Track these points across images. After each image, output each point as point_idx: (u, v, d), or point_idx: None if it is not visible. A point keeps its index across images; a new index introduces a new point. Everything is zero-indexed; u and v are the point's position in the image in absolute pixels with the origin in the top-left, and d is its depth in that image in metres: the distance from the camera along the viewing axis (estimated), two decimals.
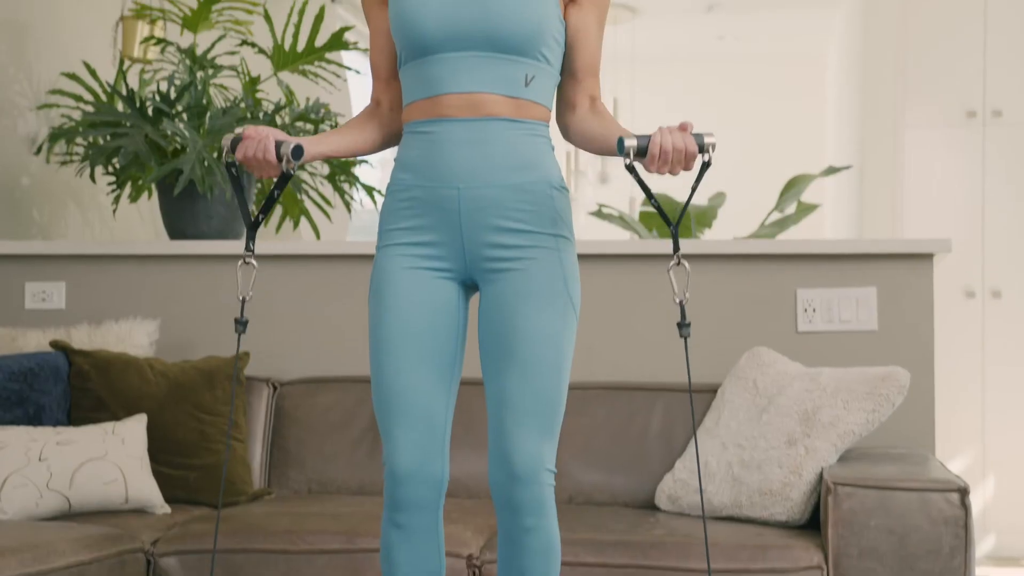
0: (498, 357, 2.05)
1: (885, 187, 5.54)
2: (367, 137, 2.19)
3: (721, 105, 9.15)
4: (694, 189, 2.01)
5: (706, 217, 5.78)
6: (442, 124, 2.06)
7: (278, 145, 2.02)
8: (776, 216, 5.83)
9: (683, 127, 1.95)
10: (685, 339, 2.03)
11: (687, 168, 1.96)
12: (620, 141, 1.94)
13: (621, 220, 5.81)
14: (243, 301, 2.10)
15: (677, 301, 2.03)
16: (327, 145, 2.13)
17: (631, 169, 1.96)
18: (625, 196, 7.65)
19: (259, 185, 3.86)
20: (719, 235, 6.61)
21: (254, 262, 2.10)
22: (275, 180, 2.06)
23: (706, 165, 1.98)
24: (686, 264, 2.03)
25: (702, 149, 1.96)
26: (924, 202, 5.24)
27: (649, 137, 1.94)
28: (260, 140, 2.02)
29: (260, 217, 2.08)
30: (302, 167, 3.81)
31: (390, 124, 2.21)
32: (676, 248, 2.03)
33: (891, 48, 5.50)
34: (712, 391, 3.17)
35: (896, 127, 5.30)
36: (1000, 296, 5.09)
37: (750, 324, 3.35)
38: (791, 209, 5.77)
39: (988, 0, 5.24)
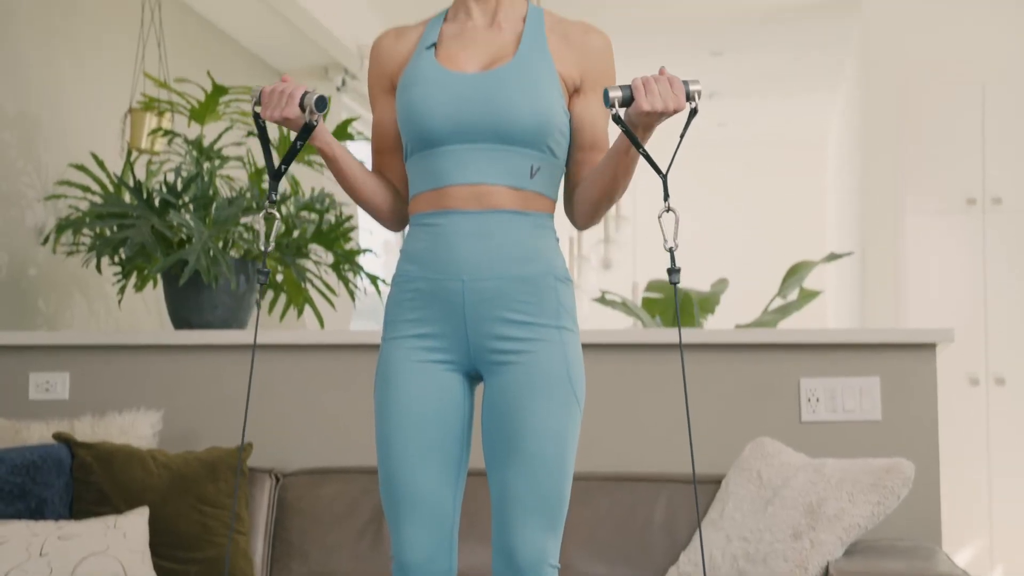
0: (502, 450, 2.05)
1: (887, 273, 5.56)
2: (373, 183, 2.18)
3: (724, 190, 9.23)
4: (682, 136, 2.01)
5: (709, 303, 5.80)
6: (448, 216, 2.08)
7: (305, 94, 2.03)
8: (779, 302, 5.84)
9: (662, 71, 1.96)
10: (675, 286, 2.03)
11: (677, 106, 1.95)
12: (605, 91, 1.95)
13: (624, 306, 5.83)
14: (264, 252, 2.11)
15: (667, 248, 2.03)
16: (341, 150, 2.13)
17: (617, 119, 1.97)
18: (628, 282, 7.68)
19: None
20: (722, 320, 6.62)
21: (277, 213, 2.12)
22: (299, 132, 2.06)
23: (693, 112, 1.97)
24: (675, 211, 2.02)
25: (688, 97, 1.96)
26: (926, 288, 5.26)
27: (631, 85, 1.95)
28: (284, 88, 2.04)
29: (283, 168, 2.09)
30: (306, 255, 3.85)
31: (395, 190, 2.21)
32: (666, 196, 2.03)
33: (890, 134, 5.56)
34: (716, 482, 3.16)
35: (897, 213, 5.34)
36: (1004, 383, 5.09)
37: (753, 413, 3.35)
38: (793, 295, 5.79)
39: (986, 88, 5.31)
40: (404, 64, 2.16)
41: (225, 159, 3.81)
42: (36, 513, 3.00)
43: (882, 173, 5.76)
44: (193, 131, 4.52)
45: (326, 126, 2.11)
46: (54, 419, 3.38)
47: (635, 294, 7.35)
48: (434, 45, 2.14)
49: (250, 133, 3.91)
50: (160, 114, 4.13)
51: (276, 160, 2.37)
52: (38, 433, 3.27)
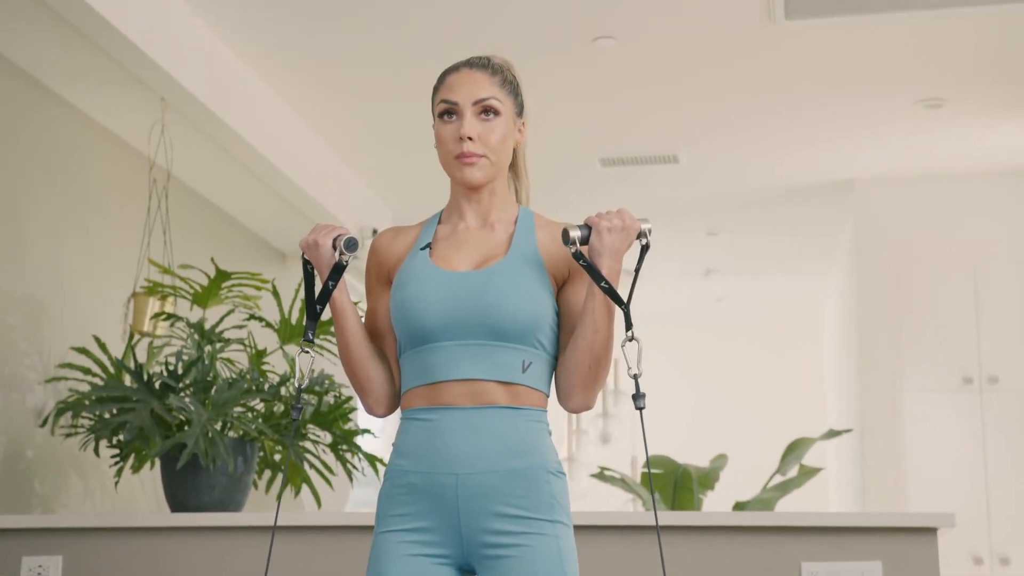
0: None
1: (887, 450, 5.55)
2: (376, 360, 2.21)
3: (721, 364, 9.27)
4: (637, 270, 2.12)
5: (708, 479, 5.75)
6: (441, 412, 2.11)
7: (336, 238, 2.14)
8: (778, 479, 5.80)
9: (620, 211, 2.11)
10: (640, 411, 2.10)
11: (629, 238, 2.10)
12: (564, 232, 2.08)
13: (623, 482, 5.79)
14: (300, 389, 2.19)
15: (631, 375, 2.12)
16: (352, 316, 2.18)
17: (578, 256, 2.07)
18: (627, 457, 7.64)
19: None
20: (721, 496, 6.56)
21: (312, 352, 2.23)
22: (330, 272, 2.16)
23: (645, 248, 2.11)
24: (638, 339, 2.12)
25: (640, 235, 2.11)
26: (927, 466, 5.24)
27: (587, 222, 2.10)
28: (324, 227, 2.16)
29: (320, 308, 2.17)
30: (305, 436, 3.85)
31: (387, 367, 2.23)
32: (629, 325, 2.12)
33: (886, 313, 5.63)
34: None
35: (895, 391, 5.36)
36: (1009, 563, 5.02)
37: None
38: (793, 472, 5.76)
39: (977, 270, 5.41)
40: (400, 261, 2.22)
41: (227, 342, 3.85)
42: None
43: (879, 351, 5.81)
44: (195, 314, 4.58)
45: (345, 296, 2.20)
46: None
47: (634, 469, 7.31)
48: (429, 246, 2.20)
49: (251, 316, 3.96)
50: (163, 298, 4.19)
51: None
52: None
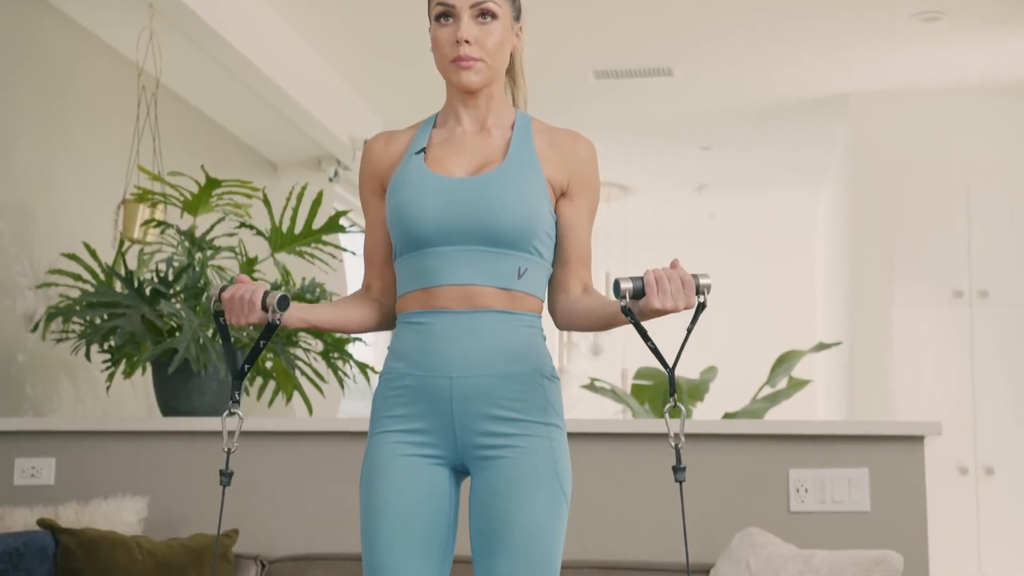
0: (488, 544, 2.05)
1: (876, 364, 5.58)
2: (358, 316, 2.22)
3: (713, 279, 9.28)
4: (689, 331, 1.97)
5: (698, 391, 5.80)
6: (436, 315, 2.10)
7: (266, 294, 2.03)
8: (768, 391, 5.85)
9: (674, 264, 1.96)
10: (680, 484, 2.00)
11: (688, 304, 1.94)
12: (616, 282, 1.94)
13: (613, 393, 5.83)
14: (228, 453, 2.08)
15: (672, 445, 2.01)
16: (316, 314, 2.15)
17: (627, 311, 1.95)
18: (617, 369, 7.69)
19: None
20: (711, 408, 6.62)
21: (240, 413, 2.08)
22: (262, 330, 2.06)
23: (701, 306, 1.95)
24: (683, 407, 2.01)
25: (698, 291, 1.94)
26: (915, 379, 5.28)
27: (643, 277, 1.94)
28: (249, 285, 2.05)
29: (246, 367, 2.08)
30: (295, 343, 3.86)
31: (382, 306, 2.24)
32: (672, 391, 2.01)
33: (878, 228, 5.63)
34: (704, 572, 3.14)
35: (885, 305, 5.38)
36: (993, 472, 5.09)
37: (742, 503, 3.34)
38: (782, 384, 5.80)
39: (970, 187, 5.40)
40: (394, 167, 2.20)
41: (217, 249, 3.84)
42: None
43: (870, 265, 5.82)
44: (186, 222, 4.56)
45: (299, 311, 2.11)
46: (39, 505, 3.37)
47: (624, 381, 7.36)
48: (423, 150, 2.18)
49: (242, 224, 3.94)
50: (153, 206, 4.16)
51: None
52: (22, 519, 3.25)
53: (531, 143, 2.17)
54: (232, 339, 2.09)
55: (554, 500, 2.06)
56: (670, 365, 2.00)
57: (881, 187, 5.69)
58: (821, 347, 5.67)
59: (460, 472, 2.15)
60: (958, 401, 5.13)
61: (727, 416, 5.35)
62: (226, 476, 2.07)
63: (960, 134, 5.86)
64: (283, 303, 2.01)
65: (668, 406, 2.01)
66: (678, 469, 2.00)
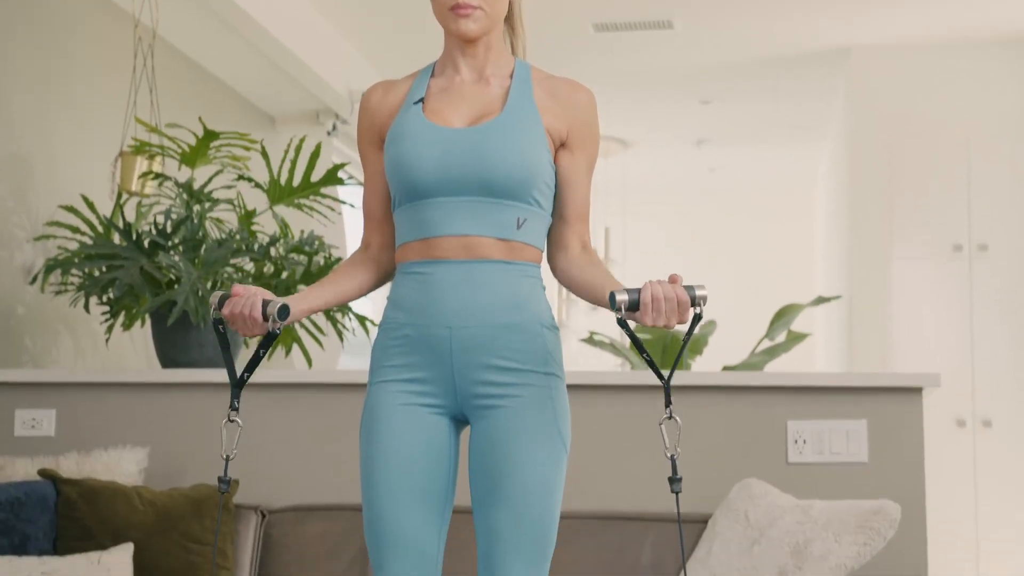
0: (488, 493, 2.06)
1: (875, 317, 5.59)
2: (356, 283, 2.21)
3: (712, 234, 9.28)
4: (686, 342, 1.98)
5: (697, 344, 5.80)
6: (435, 266, 2.10)
7: (265, 304, 2.02)
8: (767, 344, 5.86)
9: (673, 279, 1.95)
10: (676, 494, 2.01)
11: (681, 320, 1.95)
12: (612, 295, 1.94)
13: (612, 347, 5.84)
14: (227, 460, 2.07)
15: (668, 456, 2.01)
16: (315, 300, 2.14)
17: (622, 323, 1.95)
18: (615, 323, 7.69)
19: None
20: (709, 362, 6.62)
21: (239, 420, 2.08)
22: (261, 339, 2.05)
23: (697, 318, 1.95)
24: (678, 419, 2.01)
25: (693, 302, 1.94)
26: (914, 332, 5.28)
27: (639, 291, 1.93)
28: (247, 297, 2.02)
29: (245, 376, 2.07)
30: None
31: (380, 265, 2.23)
32: (668, 403, 2.01)
33: (878, 182, 5.61)
34: (703, 522, 3.16)
35: (885, 259, 5.38)
36: (991, 425, 5.10)
37: (741, 455, 3.35)
38: (781, 338, 5.81)
39: (971, 138, 5.37)
40: (392, 117, 2.18)
41: (215, 202, 3.83)
42: (19, 549, 2.99)
43: (870, 219, 5.81)
44: (183, 174, 4.55)
45: (299, 304, 2.10)
46: (39, 455, 3.38)
47: (623, 335, 7.36)
48: (421, 100, 2.16)
49: (240, 177, 3.93)
50: (151, 158, 4.14)
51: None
52: (23, 469, 3.26)
53: (530, 92, 2.15)
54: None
55: (553, 450, 2.07)
56: (665, 376, 2.00)
57: (881, 141, 5.67)
58: (820, 301, 5.67)
59: (460, 422, 2.15)
60: (956, 355, 5.14)
61: (726, 370, 5.36)
62: (224, 483, 2.06)
63: (961, 87, 5.83)
64: (283, 313, 2.01)
65: (664, 417, 2.01)
66: (674, 480, 2.01)
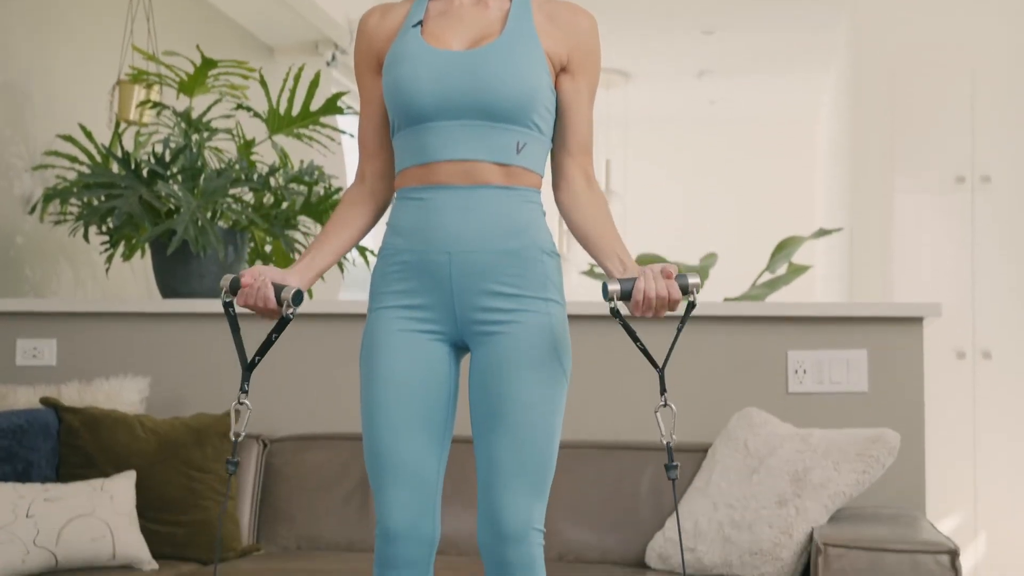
0: (488, 420, 2.06)
1: (876, 250, 5.57)
2: (356, 229, 2.19)
3: (713, 167, 9.23)
4: (679, 331, 2.01)
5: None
6: (435, 191, 2.09)
7: (278, 289, 2.03)
8: (767, 277, 5.85)
9: (667, 272, 1.96)
10: (673, 481, 2.03)
11: (672, 310, 1.97)
12: (604, 285, 1.96)
13: None
14: (235, 441, 2.08)
15: (664, 443, 2.03)
16: (322, 262, 2.14)
17: (615, 312, 1.97)
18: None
19: (251, 246, 3.89)
20: (711, 294, 6.62)
21: (248, 403, 2.10)
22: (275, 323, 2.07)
23: (691, 306, 1.97)
24: (673, 407, 2.03)
25: (686, 291, 1.96)
26: (915, 264, 5.27)
27: (633, 281, 1.95)
28: (258, 288, 2.03)
29: (256, 360, 2.09)
30: (295, 227, 3.84)
31: (376, 197, 2.21)
32: (663, 390, 2.04)
33: (880, 113, 5.57)
34: (703, 451, 3.17)
35: (886, 191, 5.35)
36: (990, 357, 5.11)
37: (741, 385, 3.36)
38: (782, 270, 5.80)
39: (976, 68, 5.32)
40: (390, 40, 2.16)
41: (214, 131, 3.80)
42: (23, 476, 3.01)
43: (872, 151, 5.77)
44: (182, 103, 4.51)
45: (308, 274, 2.11)
46: (41, 384, 3.39)
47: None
48: (420, 23, 2.14)
49: (239, 106, 3.90)
50: (149, 86, 4.11)
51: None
52: (25, 398, 3.27)
53: (530, 15, 2.13)
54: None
55: (553, 374, 2.07)
56: (660, 365, 2.03)
57: (884, 71, 5.62)
58: (821, 233, 5.66)
59: (460, 349, 2.15)
60: (957, 287, 5.13)
61: (727, 301, 5.36)
62: (232, 463, 2.09)
63: (966, 16, 5.75)
64: (298, 298, 2.03)
65: (659, 405, 2.03)
66: (670, 467, 2.02)
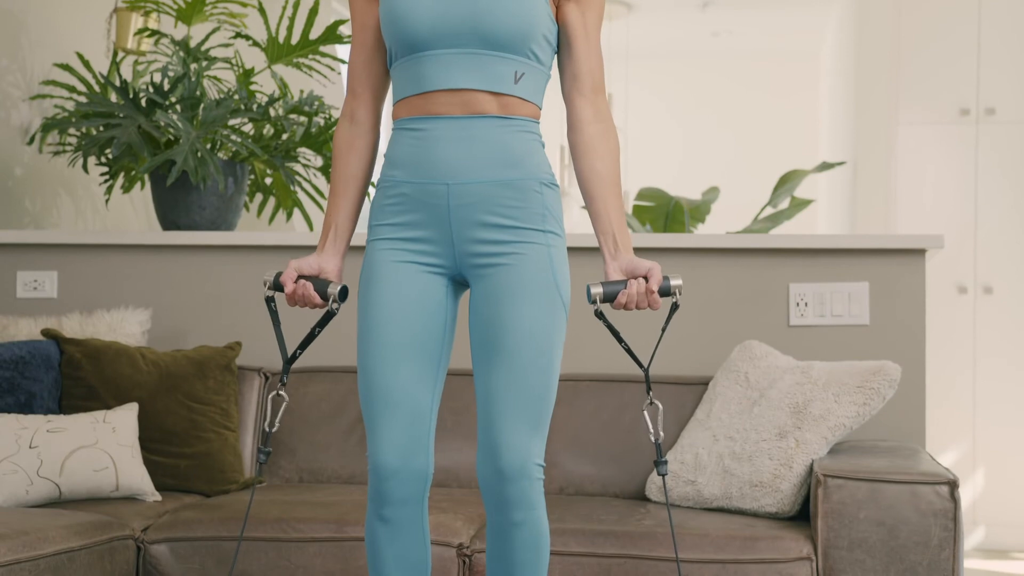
0: (487, 352, 2.05)
1: (879, 183, 5.55)
2: (361, 177, 2.18)
3: (715, 101, 9.16)
4: (664, 330, 2.11)
5: (699, 212, 5.78)
6: (432, 121, 2.07)
7: (323, 285, 2.10)
8: (769, 211, 5.84)
9: (652, 276, 2.05)
10: (663, 477, 2.12)
11: (654, 309, 2.08)
12: (588, 289, 2.05)
13: None
14: (268, 432, 2.16)
15: (653, 440, 2.11)
16: (345, 231, 2.17)
17: (599, 315, 2.05)
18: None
19: (252, 177, 3.87)
20: (712, 229, 6.61)
21: (285, 395, 2.18)
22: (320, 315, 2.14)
23: (675, 307, 2.08)
24: (659, 404, 2.12)
25: (669, 292, 2.06)
26: (917, 198, 5.25)
27: (617, 290, 2.04)
28: (301, 295, 2.12)
29: (298, 353, 2.15)
30: (295, 158, 3.82)
31: (369, 133, 2.18)
32: (649, 388, 2.12)
33: (885, 46, 5.51)
34: (703, 383, 3.18)
35: (890, 124, 5.31)
36: (992, 292, 5.11)
37: (742, 317, 3.36)
38: (784, 204, 5.78)
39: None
40: None
41: (213, 60, 3.76)
42: (25, 407, 3.01)
43: (876, 84, 5.72)
44: (180, 32, 4.46)
45: (338, 249, 2.17)
46: (42, 316, 3.38)
47: (626, 201, 7.34)
48: None
49: (237, 35, 3.86)
50: (146, 14, 4.07)
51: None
52: (26, 330, 3.27)
53: None
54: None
55: (552, 306, 2.06)
56: (644, 365, 2.11)
57: (889, 2, 5.55)
58: (824, 167, 5.63)
59: (459, 284, 2.14)
60: (960, 221, 5.11)
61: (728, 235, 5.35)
62: (264, 453, 2.17)
63: None
64: (343, 294, 2.10)
65: (645, 403, 2.11)
66: (659, 463, 2.11)
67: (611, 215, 2.09)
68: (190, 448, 3.08)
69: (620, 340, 2.08)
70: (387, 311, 2.07)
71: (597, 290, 2.04)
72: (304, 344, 2.14)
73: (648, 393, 2.10)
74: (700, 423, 3.03)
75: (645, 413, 2.09)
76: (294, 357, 2.14)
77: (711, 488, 2.89)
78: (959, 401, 5.09)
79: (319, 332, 2.12)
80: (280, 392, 2.16)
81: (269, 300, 2.15)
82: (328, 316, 2.12)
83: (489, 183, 2.05)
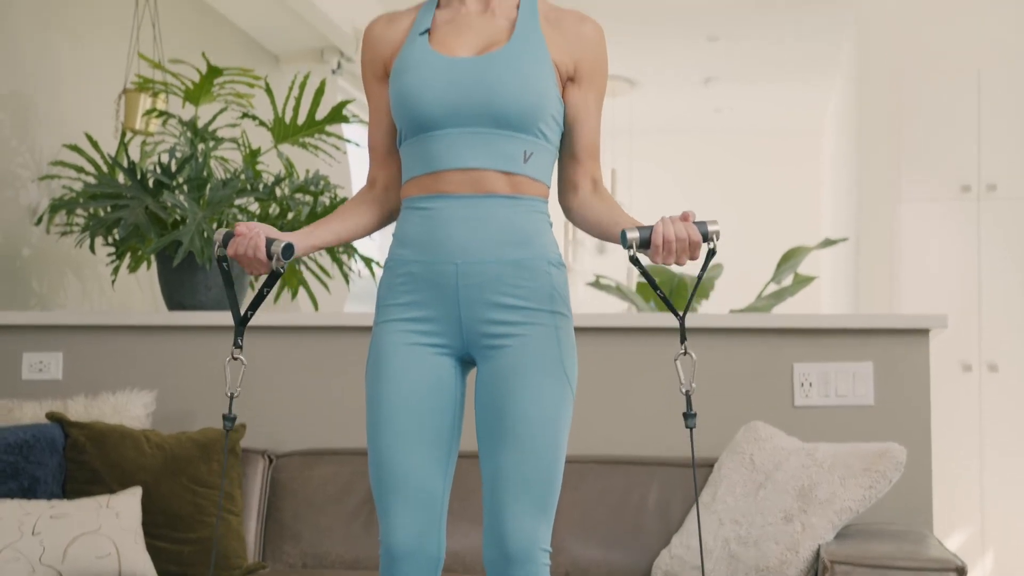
0: (494, 434, 2.05)
1: (881, 260, 5.56)
2: (361, 221, 2.19)
3: (718, 176, 9.22)
4: (700, 278, 2.00)
5: (703, 288, 5.80)
6: (441, 200, 2.08)
7: (269, 243, 2.01)
8: (773, 288, 5.85)
9: (685, 216, 1.94)
10: (691, 430, 2.02)
11: (693, 257, 1.95)
12: (623, 233, 1.94)
13: (618, 291, 5.83)
14: (231, 397, 2.08)
15: (683, 391, 2.02)
16: (320, 237, 2.13)
17: (635, 261, 1.95)
18: (622, 267, 7.68)
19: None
20: (716, 306, 6.62)
21: (243, 358, 2.09)
22: (265, 277, 2.06)
23: (711, 253, 1.95)
24: (692, 354, 2.02)
25: (706, 238, 1.94)
26: (921, 275, 5.26)
27: (651, 228, 1.93)
28: (251, 238, 2.01)
29: (249, 314, 2.08)
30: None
31: (385, 203, 2.21)
32: (683, 339, 2.02)
33: (886, 122, 5.56)
34: (708, 465, 3.16)
35: (892, 200, 5.34)
36: (997, 370, 5.10)
37: (747, 398, 3.35)
38: (788, 281, 5.80)
39: (981, 76, 5.31)
40: (397, 50, 2.15)
41: (220, 140, 3.80)
42: (29, 492, 3.00)
43: (878, 160, 5.76)
44: (188, 112, 4.51)
45: (304, 241, 2.10)
46: (47, 399, 3.38)
47: (630, 279, 7.35)
48: (427, 31, 2.13)
49: (244, 115, 3.90)
50: (155, 95, 4.11)
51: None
52: (31, 412, 3.27)
53: (537, 24, 2.12)
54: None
55: (559, 388, 2.05)
56: (680, 313, 2.01)
57: (890, 79, 5.61)
58: (827, 243, 5.65)
59: (466, 363, 2.14)
60: (963, 297, 5.12)
61: (733, 313, 5.35)
62: (229, 420, 2.08)
63: (971, 22, 5.74)
64: (287, 252, 2.00)
65: (679, 353, 2.02)
66: (688, 415, 2.02)
67: (627, 217, 2.07)
68: (194, 533, 3.06)
69: (655, 287, 2.00)
70: (397, 395, 2.07)
71: (633, 234, 1.93)
72: (254, 305, 2.06)
73: (682, 343, 2.01)
74: (705, 506, 3.01)
75: (677, 363, 2.01)
76: (246, 318, 2.08)
77: (717, 573, 2.87)
78: (966, 481, 5.06)
79: (268, 292, 2.04)
80: (236, 356, 2.09)
81: (221, 259, 2.05)
82: (274, 276, 2.03)
83: (498, 263, 2.06)
